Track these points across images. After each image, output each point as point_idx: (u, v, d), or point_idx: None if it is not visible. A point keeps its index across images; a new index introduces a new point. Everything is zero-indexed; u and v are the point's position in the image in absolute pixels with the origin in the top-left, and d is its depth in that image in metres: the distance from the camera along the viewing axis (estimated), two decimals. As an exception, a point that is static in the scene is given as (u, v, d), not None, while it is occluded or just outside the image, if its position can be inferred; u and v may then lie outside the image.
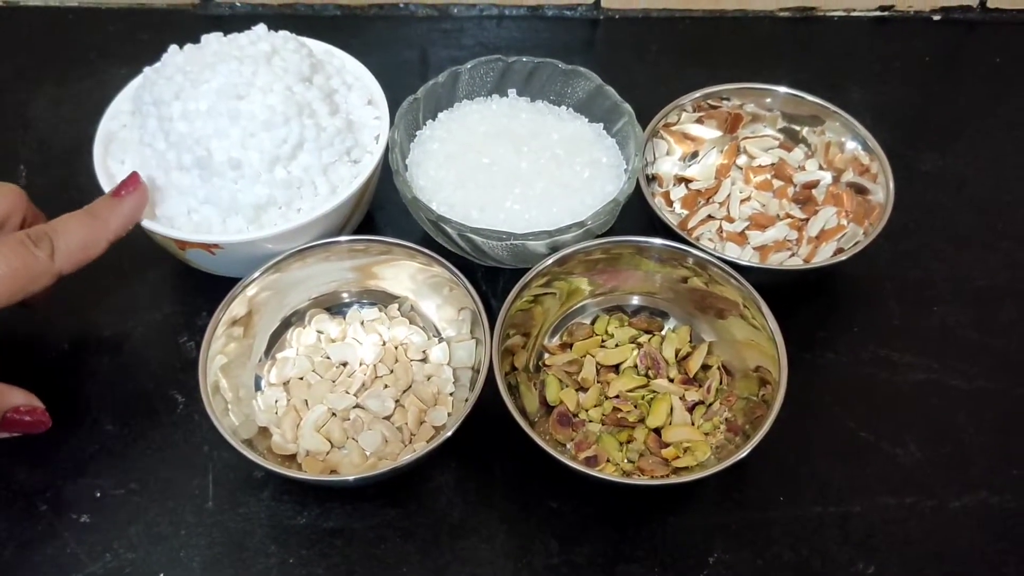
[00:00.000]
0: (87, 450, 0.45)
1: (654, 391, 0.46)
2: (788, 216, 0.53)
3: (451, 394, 0.47)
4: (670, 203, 0.55)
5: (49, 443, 0.46)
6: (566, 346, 0.49)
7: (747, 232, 0.53)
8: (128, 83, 0.51)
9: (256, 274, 0.45)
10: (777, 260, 0.51)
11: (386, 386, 0.46)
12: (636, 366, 0.47)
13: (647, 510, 0.44)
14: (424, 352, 0.48)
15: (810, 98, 0.55)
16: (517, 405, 0.42)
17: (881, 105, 0.62)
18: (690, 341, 0.48)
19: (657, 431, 0.45)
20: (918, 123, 0.62)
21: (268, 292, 0.47)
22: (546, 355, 0.48)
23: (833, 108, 0.54)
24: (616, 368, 0.48)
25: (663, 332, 0.49)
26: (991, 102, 0.64)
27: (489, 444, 0.45)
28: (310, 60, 0.49)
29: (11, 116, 0.61)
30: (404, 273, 0.48)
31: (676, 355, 0.48)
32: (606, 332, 0.49)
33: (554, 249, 0.46)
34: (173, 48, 0.48)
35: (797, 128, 0.56)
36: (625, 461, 0.45)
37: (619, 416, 0.46)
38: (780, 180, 0.55)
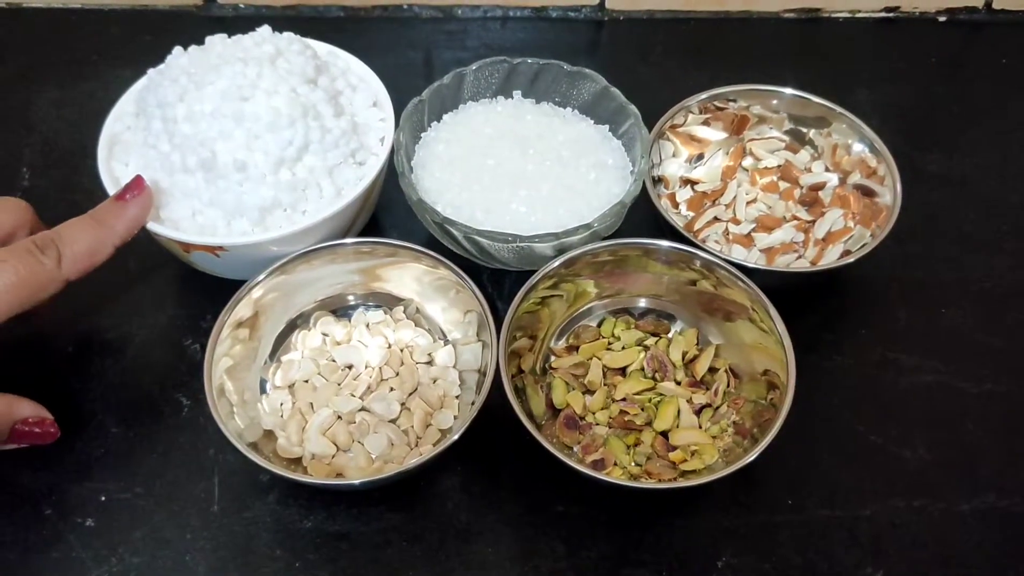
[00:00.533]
0: (92, 453, 0.45)
1: (661, 394, 0.46)
2: (795, 218, 0.53)
3: (457, 397, 0.46)
4: (676, 205, 0.54)
5: (54, 447, 0.45)
6: (572, 349, 0.48)
7: (753, 234, 0.52)
8: (132, 85, 0.51)
9: (261, 276, 0.45)
10: (784, 262, 0.51)
11: (392, 389, 0.46)
12: (643, 369, 0.47)
13: (654, 513, 0.44)
14: (430, 355, 0.47)
15: (816, 100, 0.54)
16: (524, 408, 0.42)
17: (887, 106, 0.62)
18: (697, 344, 0.48)
19: (664, 434, 0.45)
20: (924, 124, 0.62)
21: (273, 294, 0.46)
22: (552, 358, 0.48)
23: (840, 110, 0.54)
24: (623, 371, 0.47)
25: (670, 335, 0.49)
26: (997, 103, 0.64)
27: (495, 447, 0.45)
28: (315, 62, 0.48)
29: (14, 118, 0.60)
30: (409, 275, 0.48)
31: (683, 358, 0.47)
32: (613, 335, 0.49)
33: (560, 251, 0.46)
34: (177, 50, 0.48)
35: (804, 130, 0.56)
36: (632, 464, 0.44)
37: (626, 419, 0.45)
38: (786, 182, 0.55)
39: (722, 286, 0.46)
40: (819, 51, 0.67)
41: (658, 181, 0.54)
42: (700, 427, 0.45)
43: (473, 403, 0.42)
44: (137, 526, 0.43)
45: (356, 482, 0.42)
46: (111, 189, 0.46)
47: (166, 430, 0.46)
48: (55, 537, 0.43)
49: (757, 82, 0.55)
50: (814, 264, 0.51)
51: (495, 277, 0.52)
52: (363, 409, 0.45)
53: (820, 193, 0.54)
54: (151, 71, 0.49)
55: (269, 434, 0.45)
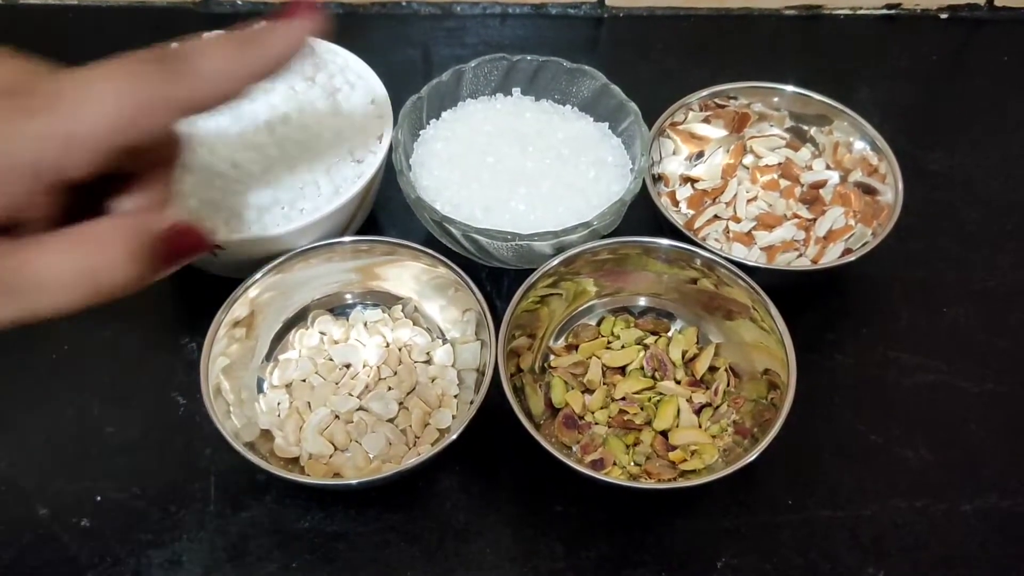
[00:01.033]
0: (87, 453, 0.45)
1: (661, 393, 0.46)
2: (795, 216, 0.53)
3: (455, 396, 0.46)
4: (676, 203, 0.54)
5: (49, 446, 0.45)
6: (572, 347, 0.48)
7: (754, 232, 0.52)
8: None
9: (258, 275, 0.45)
10: (784, 260, 0.51)
11: (390, 388, 0.46)
12: (642, 368, 0.47)
13: (654, 513, 0.44)
14: (428, 354, 0.47)
15: (818, 97, 0.54)
16: (522, 407, 0.42)
17: (888, 104, 0.62)
18: (697, 343, 0.48)
19: (664, 434, 0.45)
20: (925, 122, 0.62)
21: (271, 293, 0.46)
22: (552, 357, 0.48)
23: (841, 107, 0.53)
24: (622, 370, 0.47)
25: (670, 333, 0.49)
26: (999, 101, 0.63)
27: (494, 447, 0.45)
28: (312, 59, 0.48)
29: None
30: (408, 274, 0.48)
31: (683, 357, 0.47)
32: (612, 333, 0.48)
33: (559, 250, 0.46)
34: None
35: (805, 128, 0.55)
36: (632, 464, 0.44)
37: (625, 418, 0.45)
38: (787, 180, 0.54)
39: (723, 285, 0.46)
40: (820, 48, 0.67)
41: (658, 179, 0.54)
42: (700, 426, 0.45)
43: (472, 402, 0.42)
44: (133, 526, 0.43)
45: (353, 482, 0.41)
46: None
47: (162, 429, 0.46)
48: (50, 537, 0.42)
49: (758, 79, 0.55)
50: (815, 263, 0.50)
51: (494, 275, 0.51)
52: (361, 408, 0.45)
53: (821, 191, 0.54)
54: (147, 68, 0.49)
55: (266, 434, 0.44)
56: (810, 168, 0.55)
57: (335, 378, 0.46)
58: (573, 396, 0.46)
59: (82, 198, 0.26)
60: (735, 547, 0.43)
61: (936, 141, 0.60)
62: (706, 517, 0.44)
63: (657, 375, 0.47)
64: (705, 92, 0.54)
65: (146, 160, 0.28)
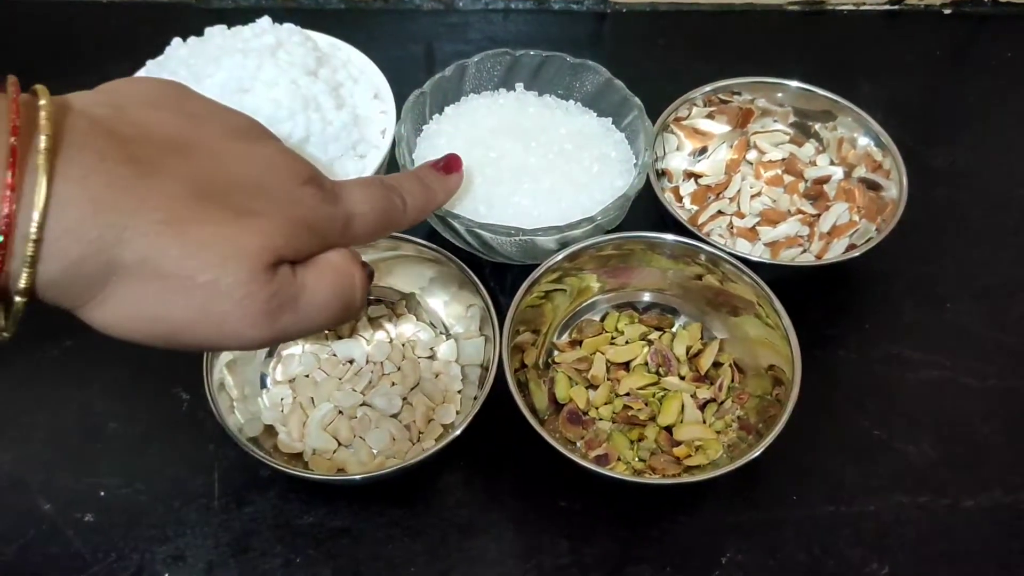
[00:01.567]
0: (91, 449, 0.45)
1: (665, 389, 0.46)
2: (799, 212, 0.52)
3: (459, 392, 0.46)
4: (680, 198, 0.54)
5: (52, 443, 0.45)
6: (576, 343, 0.48)
7: (758, 228, 0.52)
8: (131, 77, 0.50)
9: (262, 270, 0.45)
10: (788, 256, 0.51)
11: (393, 384, 0.46)
12: (647, 363, 0.47)
13: (658, 509, 0.44)
14: (432, 349, 0.47)
15: (822, 93, 0.54)
16: (526, 403, 0.42)
17: (892, 99, 0.62)
18: (701, 338, 0.48)
19: (668, 429, 0.45)
20: (929, 118, 0.62)
21: (274, 288, 0.46)
22: (556, 352, 0.48)
23: (845, 103, 0.53)
24: (626, 365, 0.47)
25: (674, 329, 0.49)
26: (1003, 96, 0.63)
27: (498, 442, 0.45)
28: (315, 53, 0.48)
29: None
30: (411, 269, 0.48)
31: (687, 352, 0.47)
32: (616, 329, 0.48)
33: (563, 245, 0.46)
34: (176, 41, 0.48)
35: (809, 123, 0.55)
36: (636, 459, 0.44)
37: (630, 414, 0.45)
38: (791, 175, 0.54)
39: (727, 281, 0.46)
40: (823, 44, 0.67)
41: (662, 174, 0.54)
42: (704, 422, 0.45)
43: (476, 398, 0.42)
44: (136, 521, 0.43)
45: (357, 477, 0.41)
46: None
47: (166, 425, 0.46)
48: (54, 532, 0.42)
49: (761, 75, 0.55)
50: (819, 258, 0.50)
51: (497, 271, 0.51)
52: (364, 404, 0.45)
53: (825, 187, 0.54)
54: (150, 62, 0.49)
55: (270, 429, 0.44)
56: (814, 164, 0.55)
57: (339, 373, 0.46)
58: (577, 392, 0.46)
59: None
60: (739, 542, 0.43)
61: (940, 137, 0.60)
62: (710, 513, 0.44)
63: (661, 371, 0.47)
64: (709, 87, 0.54)
65: None
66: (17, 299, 0.25)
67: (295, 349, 0.47)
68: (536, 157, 0.49)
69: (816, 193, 0.53)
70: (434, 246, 0.46)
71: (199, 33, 0.48)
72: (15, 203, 0.23)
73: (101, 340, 0.49)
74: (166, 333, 0.27)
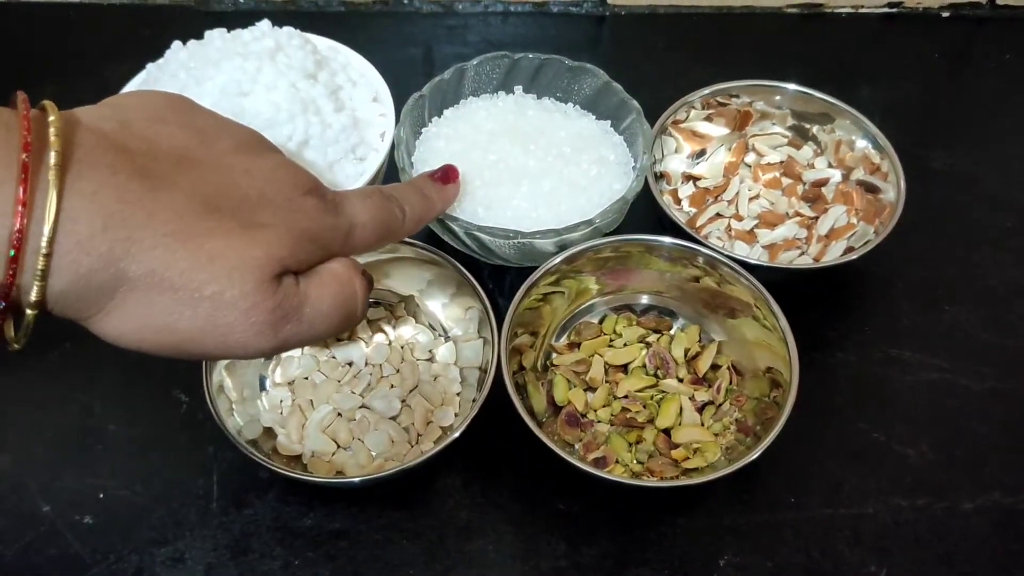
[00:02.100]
0: (90, 450, 0.45)
1: (663, 391, 0.46)
2: (797, 214, 0.53)
3: (458, 394, 0.46)
4: (678, 201, 0.54)
5: (51, 444, 0.45)
6: (574, 345, 0.48)
7: (756, 230, 0.52)
8: (131, 80, 0.50)
9: (261, 273, 0.45)
10: (786, 259, 0.51)
11: (392, 386, 0.46)
12: (645, 366, 0.47)
13: (656, 511, 0.44)
14: (430, 352, 0.47)
15: (820, 95, 0.54)
16: (525, 405, 0.42)
17: (890, 102, 0.62)
18: (699, 341, 0.48)
19: (667, 432, 0.45)
20: (928, 120, 0.62)
21: (273, 291, 0.46)
22: (554, 355, 0.48)
23: (843, 106, 0.53)
24: (625, 368, 0.47)
25: (672, 331, 0.49)
26: (1001, 99, 0.63)
27: (496, 445, 0.45)
28: (315, 56, 0.48)
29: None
30: (410, 272, 0.48)
31: (685, 355, 0.47)
32: (614, 331, 0.48)
33: (561, 247, 0.46)
34: (176, 44, 0.48)
35: (807, 126, 0.55)
36: (634, 462, 0.44)
37: (628, 416, 0.45)
38: (789, 178, 0.54)
39: (725, 283, 0.46)
40: (822, 46, 0.67)
41: (660, 177, 0.54)
42: (702, 424, 0.45)
43: (474, 400, 0.42)
44: (135, 523, 0.43)
45: (356, 480, 0.42)
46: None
47: (165, 427, 0.46)
48: (53, 534, 0.42)
49: (760, 77, 0.55)
50: (817, 261, 0.50)
51: (496, 273, 0.51)
52: (363, 406, 0.45)
53: (823, 189, 0.54)
54: (150, 65, 0.49)
55: (269, 431, 0.44)
56: (812, 166, 0.55)
57: (338, 376, 0.46)
58: (575, 394, 0.46)
59: None
60: (737, 545, 0.43)
61: (938, 139, 0.60)
62: (708, 515, 0.44)
63: (659, 373, 0.47)
64: (707, 90, 0.54)
65: None
66: (28, 312, 0.25)
67: (294, 352, 0.47)
68: (535, 160, 0.49)
69: (814, 196, 0.54)
70: (432, 248, 0.46)
71: (199, 35, 0.48)
72: (27, 218, 0.24)
73: (101, 342, 0.50)
74: (173, 343, 0.28)
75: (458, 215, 0.46)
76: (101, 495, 0.44)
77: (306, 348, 0.47)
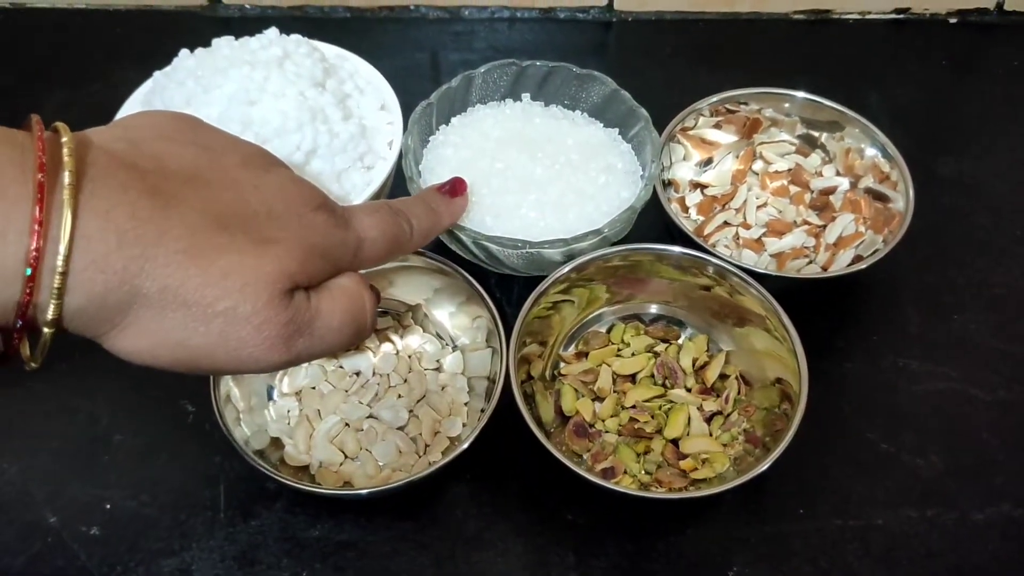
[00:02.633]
0: (97, 461, 0.45)
1: (671, 401, 0.46)
2: (805, 223, 0.52)
3: (466, 404, 0.46)
4: (685, 209, 0.54)
5: (58, 455, 0.45)
6: (582, 355, 0.48)
7: (764, 239, 0.52)
8: (138, 86, 0.50)
9: (268, 282, 0.45)
10: (794, 267, 0.50)
11: (400, 396, 0.46)
12: (653, 375, 0.47)
13: (665, 522, 0.44)
14: (438, 361, 0.47)
15: (828, 103, 0.54)
16: (533, 415, 0.42)
17: (898, 109, 0.62)
18: (707, 350, 0.48)
19: (675, 442, 0.45)
20: (936, 128, 0.61)
21: (280, 300, 0.46)
22: (562, 364, 0.48)
23: (852, 114, 0.53)
24: (633, 378, 0.47)
25: (680, 341, 0.48)
26: (1009, 105, 0.63)
27: (504, 455, 0.44)
28: (323, 64, 0.48)
29: (21, 120, 0.60)
30: (418, 281, 0.48)
31: (693, 364, 0.47)
32: (622, 341, 0.48)
33: (569, 257, 0.46)
34: (184, 52, 0.48)
35: (816, 134, 0.55)
36: (642, 472, 0.44)
37: (636, 426, 0.45)
38: (797, 186, 0.54)
39: (735, 293, 0.46)
40: (829, 53, 0.67)
41: (668, 185, 0.54)
42: (711, 435, 0.45)
43: (482, 410, 0.42)
44: (142, 534, 0.43)
45: (363, 492, 0.41)
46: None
47: (172, 437, 0.46)
48: (59, 545, 0.42)
49: (767, 84, 0.55)
50: (825, 269, 0.50)
51: (504, 282, 0.51)
52: (371, 416, 0.45)
53: (831, 197, 0.54)
54: (157, 74, 0.49)
55: (276, 441, 0.44)
56: (820, 174, 0.55)
57: (345, 386, 0.46)
58: (583, 404, 0.46)
59: None
60: (746, 556, 0.43)
61: (946, 147, 0.60)
62: (717, 526, 0.44)
63: (668, 383, 0.46)
64: (715, 97, 0.54)
65: None
66: (45, 330, 0.26)
67: (301, 361, 0.47)
68: (542, 168, 0.49)
69: (822, 204, 0.53)
70: (440, 257, 0.46)
71: (206, 41, 0.48)
72: (43, 237, 0.24)
73: (108, 352, 0.50)
74: (187, 359, 0.28)
75: (466, 224, 0.46)
76: (108, 505, 0.44)
77: (313, 358, 0.47)
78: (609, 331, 0.49)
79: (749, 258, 0.51)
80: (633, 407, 0.46)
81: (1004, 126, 0.62)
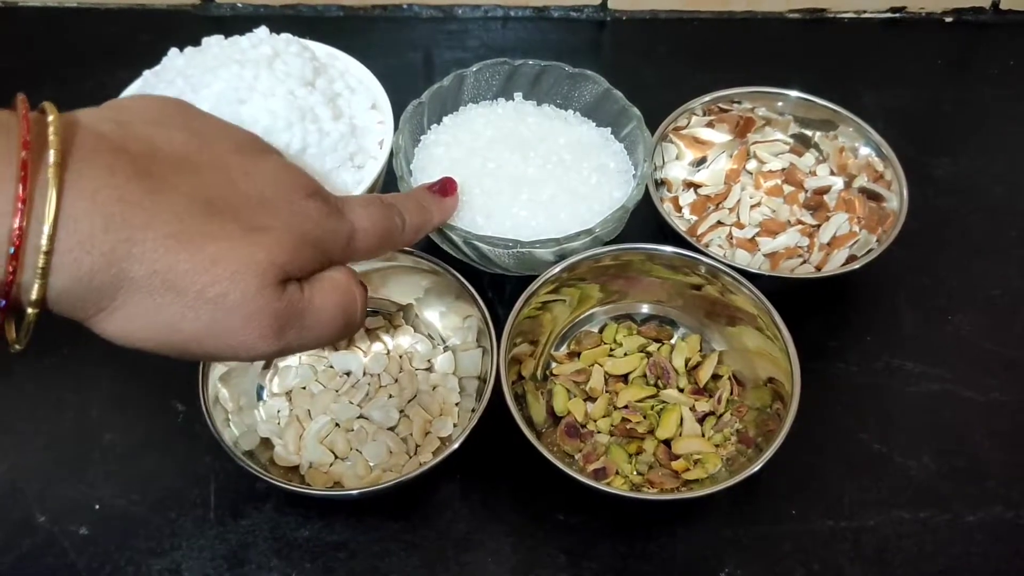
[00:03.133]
0: (86, 460, 0.45)
1: (664, 401, 0.46)
2: (799, 222, 0.52)
3: (456, 404, 0.46)
4: (679, 208, 0.54)
5: (47, 453, 0.45)
6: (574, 355, 0.48)
7: (757, 238, 0.52)
8: (129, 85, 0.50)
9: (258, 282, 0.44)
10: (788, 267, 0.50)
11: (390, 396, 0.45)
12: (645, 375, 0.47)
13: (657, 523, 0.43)
14: (429, 361, 0.47)
15: (822, 102, 0.54)
16: (524, 415, 0.42)
17: (893, 109, 0.61)
18: (700, 350, 0.48)
19: (667, 442, 0.44)
20: (931, 127, 0.61)
21: (270, 300, 0.46)
22: (553, 364, 0.47)
23: (846, 113, 0.53)
24: (625, 378, 0.47)
25: (672, 341, 0.48)
26: (1004, 105, 0.63)
27: (495, 455, 0.44)
28: (313, 63, 0.48)
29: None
30: (408, 280, 0.48)
31: (686, 364, 0.47)
32: (615, 341, 0.48)
33: (561, 256, 0.46)
34: (173, 51, 0.48)
35: (809, 133, 0.55)
36: (634, 473, 0.44)
37: (628, 427, 0.45)
38: (790, 185, 0.54)
39: (727, 292, 0.46)
40: (824, 52, 0.66)
41: (661, 184, 0.54)
42: (703, 435, 0.45)
43: (473, 410, 0.42)
44: (132, 534, 0.42)
45: (354, 492, 0.41)
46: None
47: (161, 436, 0.46)
48: (49, 545, 0.42)
49: (761, 84, 0.55)
50: (819, 269, 0.50)
51: (495, 282, 0.51)
52: (361, 417, 0.45)
53: (825, 197, 0.53)
54: (147, 73, 0.48)
55: (266, 442, 0.44)
56: (814, 174, 0.54)
57: (335, 386, 0.45)
58: (575, 404, 0.46)
59: None
60: (738, 557, 0.42)
61: (941, 146, 0.60)
62: (709, 527, 0.43)
63: (660, 383, 0.46)
64: (708, 97, 0.54)
65: None
66: (29, 311, 0.25)
67: (292, 361, 0.47)
68: (534, 167, 0.49)
69: (816, 203, 0.53)
70: (431, 257, 0.46)
71: (197, 40, 0.48)
72: (27, 216, 0.24)
73: (97, 349, 0.49)
74: (176, 344, 0.28)
75: (457, 224, 0.46)
76: (97, 505, 0.43)
77: (303, 358, 0.47)
78: (601, 331, 0.49)
79: (743, 258, 0.51)
80: (625, 407, 0.45)
81: (999, 126, 0.61)
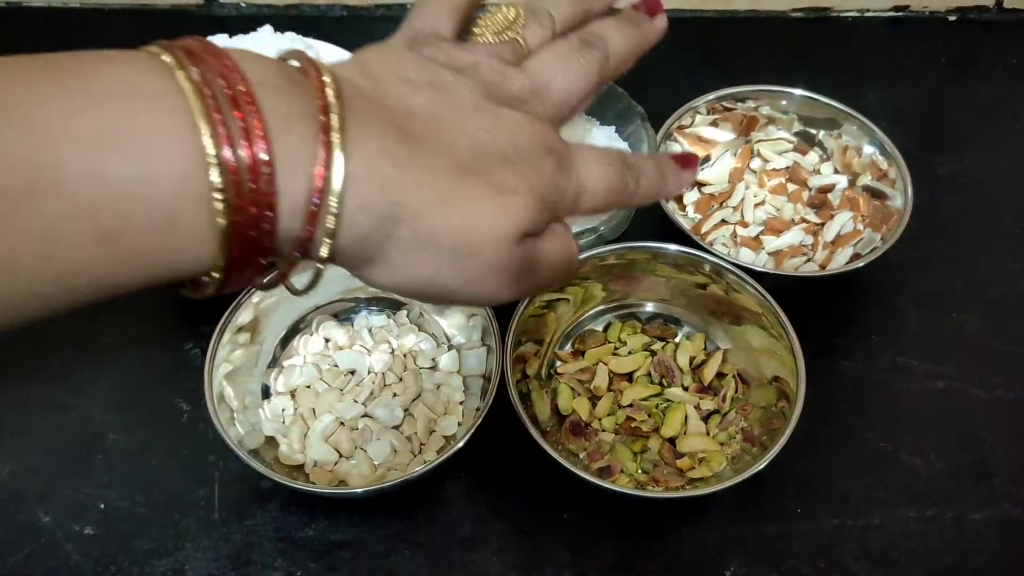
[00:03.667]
0: (90, 460, 0.45)
1: (668, 400, 0.46)
2: (803, 221, 0.52)
3: (461, 403, 0.46)
4: (683, 207, 0.54)
5: (52, 453, 0.45)
6: (578, 353, 0.48)
7: (762, 237, 0.52)
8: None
9: (262, 280, 0.44)
10: (792, 265, 0.50)
11: (395, 395, 0.45)
12: (650, 374, 0.47)
13: (661, 521, 0.43)
14: (434, 360, 0.47)
15: (826, 101, 0.54)
16: (529, 414, 0.41)
17: (896, 107, 0.61)
18: (704, 349, 0.48)
19: (672, 441, 0.44)
20: (935, 126, 0.61)
21: (275, 298, 0.46)
22: (558, 363, 0.47)
23: (850, 111, 0.53)
24: (629, 376, 0.47)
25: (677, 339, 0.48)
26: (1009, 103, 0.63)
27: (500, 454, 0.44)
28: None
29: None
30: (413, 279, 0.47)
31: (690, 363, 0.47)
32: (619, 339, 0.48)
33: (566, 255, 0.45)
34: (178, 50, 0.48)
35: (813, 131, 0.55)
36: (639, 471, 0.44)
37: (633, 425, 0.45)
38: (795, 184, 0.54)
39: (732, 291, 0.46)
40: (828, 50, 0.66)
41: (665, 183, 0.54)
42: (708, 434, 0.45)
43: (478, 409, 0.42)
44: (136, 534, 0.42)
45: (359, 491, 0.41)
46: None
47: (166, 436, 0.46)
48: (53, 545, 0.42)
49: (765, 82, 0.55)
50: (823, 267, 0.50)
51: (499, 280, 0.51)
52: (366, 415, 0.45)
53: (829, 195, 0.53)
54: (151, 71, 0.48)
55: (271, 440, 0.44)
56: (818, 172, 0.54)
57: (340, 384, 0.45)
58: (580, 403, 0.45)
59: None
60: (743, 555, 0.42)
61: (945, 145, 0.60)
62: (714, 525, 0.43)
63: (664, 381, 0.46)
64: (712, 95, 0.54)
65: None
66: (319, 266, 0.27)
67: (296, 360, 0.47)
68: (539, 166, 0.49)
69: (820, 202, 0.53)
70: (436, 256, 0.45)
71: (201, 41, 0.48)
72: (326, 178, 0.25)
73: (101, 350, 0.49)
74: (429, 293, 0.30)
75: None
76: (101, 505, 0.43)
77: (308, 357, 0.47)
78: (606, 329, 0.49)
79: (747, 256, 0.51)
80: (630, 406, 0.45)
81: (1003, 124, 0.61)
